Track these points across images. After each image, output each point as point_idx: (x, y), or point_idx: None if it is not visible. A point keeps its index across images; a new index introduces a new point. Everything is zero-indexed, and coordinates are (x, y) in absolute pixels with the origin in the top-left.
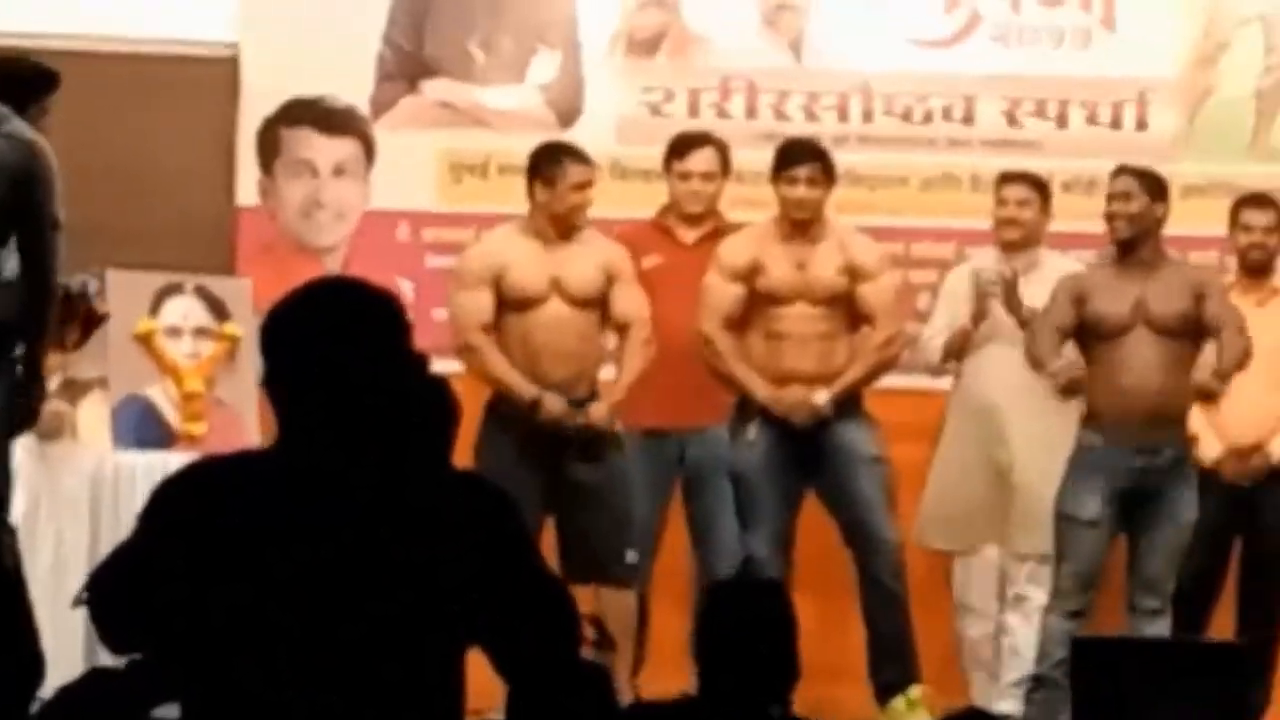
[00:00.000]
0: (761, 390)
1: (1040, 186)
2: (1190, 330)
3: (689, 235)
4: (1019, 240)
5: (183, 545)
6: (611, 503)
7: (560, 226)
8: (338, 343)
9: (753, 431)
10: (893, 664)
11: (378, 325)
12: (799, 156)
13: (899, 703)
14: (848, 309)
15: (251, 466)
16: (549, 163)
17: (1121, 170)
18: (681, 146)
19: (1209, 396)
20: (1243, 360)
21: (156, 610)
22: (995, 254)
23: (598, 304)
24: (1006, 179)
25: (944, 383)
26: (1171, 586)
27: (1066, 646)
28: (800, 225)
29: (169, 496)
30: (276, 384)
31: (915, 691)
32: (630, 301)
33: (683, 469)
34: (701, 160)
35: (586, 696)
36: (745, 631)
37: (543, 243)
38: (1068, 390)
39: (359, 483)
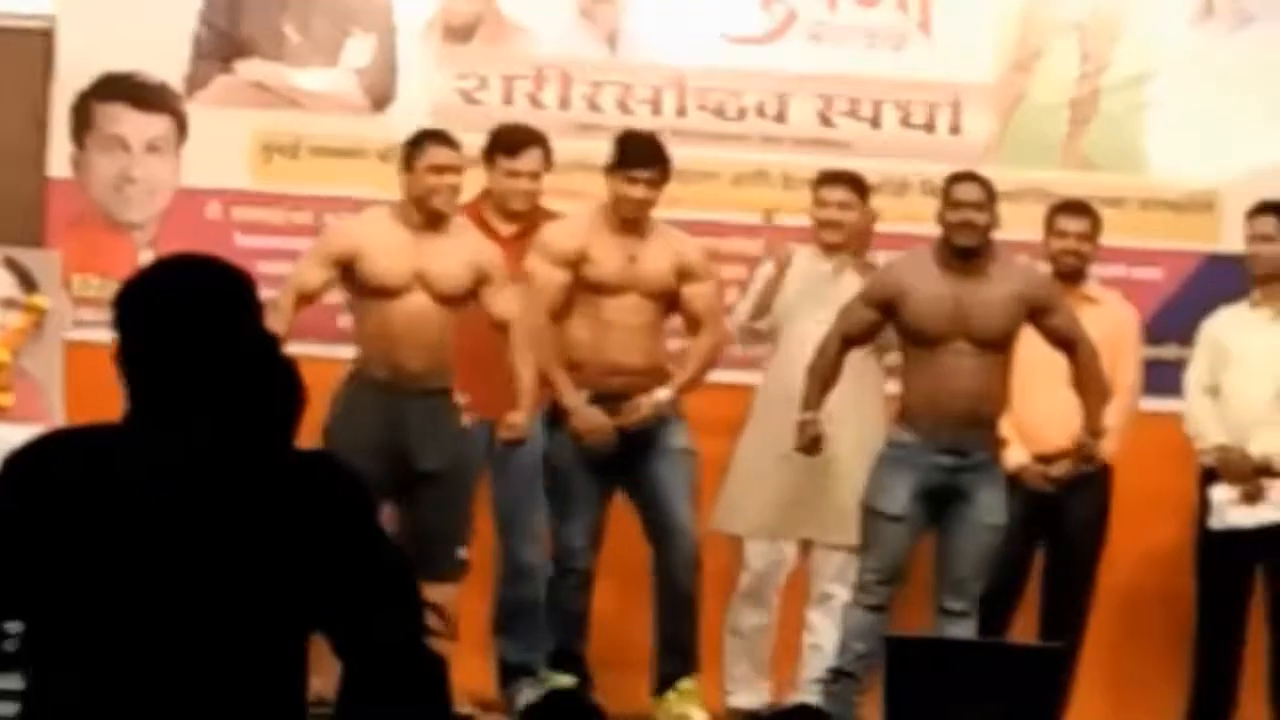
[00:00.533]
0: (570, 399)
1: (860, 188)
2: (1010, 341)
3: (507, 229)
4: (840, 243)
5: (21, 522)
6: (453, 498)
7: (423, 212)
8: (188, 319)
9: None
10: (671, 656)
11: (229, 303)
12: (643, 158)
13: (670, 695)
14: (669, 305)
15: (98, 441)
16: (410, 145)
17: (969, 177)
18: (511, 144)
19: (1089, 456)
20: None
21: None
22: (812, 252)
23: (463, 300)
24: (826, 179)
25: (754, 377)
26: (978, 588)
27: (866, 640)
28: (630, 221)
29: (12, 471)
30: (127, 358)
31: (686, 684)
32: (508, 303)
33: (489, 456)
34: (531, 160)
35: (423, 687)
36: None
37: (410, 230)
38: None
39: (205, 461)
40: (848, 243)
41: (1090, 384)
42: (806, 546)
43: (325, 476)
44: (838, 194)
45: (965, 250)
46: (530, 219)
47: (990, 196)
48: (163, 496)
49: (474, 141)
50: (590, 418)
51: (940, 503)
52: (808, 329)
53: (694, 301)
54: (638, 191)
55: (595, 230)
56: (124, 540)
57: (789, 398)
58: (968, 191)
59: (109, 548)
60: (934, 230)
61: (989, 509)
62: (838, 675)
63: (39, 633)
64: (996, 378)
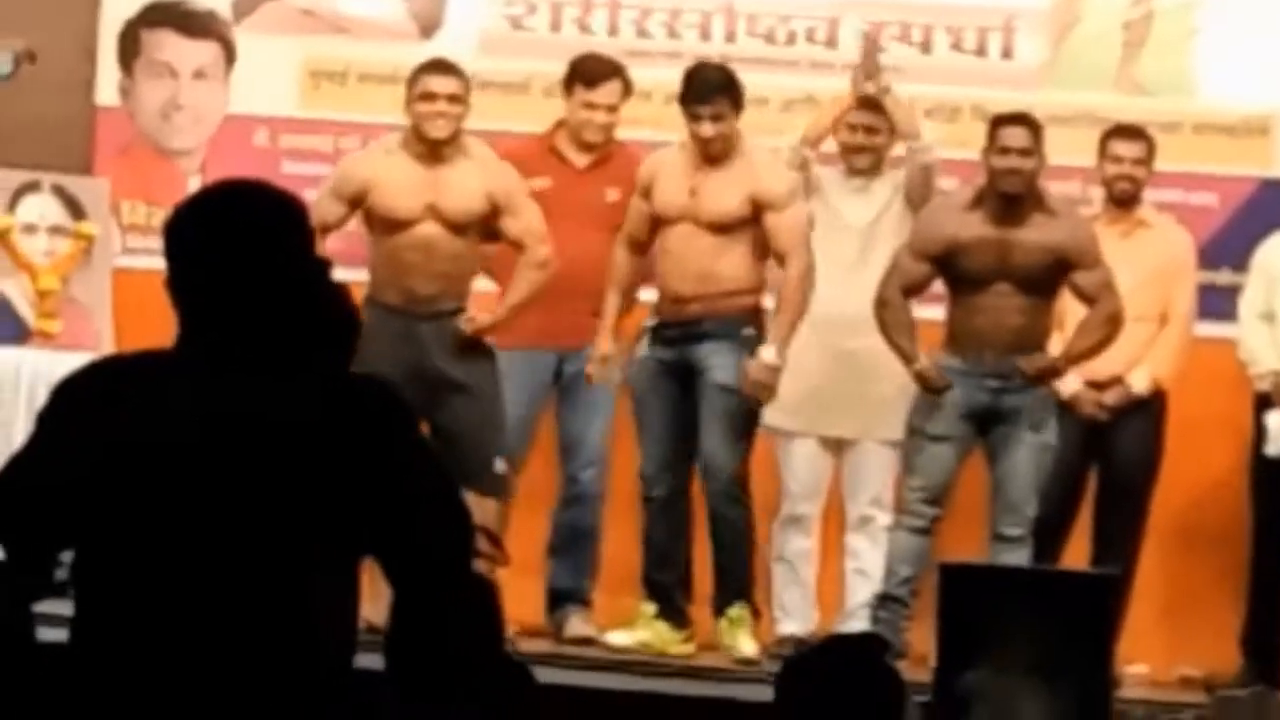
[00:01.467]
0: (610, 318)
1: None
2: (1053, 279)
3: (581, 160)
4: (867, 168)
5: (73, 449)
6: (481, 407)
7: (422, 141)
8: (237, 245)
9: (644, 348)
10: (723, 585)
11: (279, 229)
12: (703, 93)
13: (721, 622)
14: (749, 233)
15: (150, 369)
16: (411, 76)
17: (1017, 120)
18: (591, 76)
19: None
20: (1100, 347)
21: (51, 516)
22: (839, 173)
23: (477, 226)
24: (858, 104)
25: None
26: (1032, 511)
27: (912, 564)
28: (705, 154)
29: (65, 399)
30: (178, 285)
31: (735, 611)
32: (525, 223)
33: (557, 384)
34: (609, 92)
35: (473, 611)
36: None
37: (419, 160)
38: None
39: (256, 387)
40: (875, 168)
41: (1093, 329)
42: (840, 451)
43: (373, 400)
44: (866, 119)
45: (1011, 196)
46: (604, 152)
47: (1038, 139)
48: (213, 423)
49: (522, 68)
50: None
51: (989, 424)
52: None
53: (778, 234)
54: (703, 129)
55: (673, 161)
56: (174, 467)
57: (820, 298)
58: (1015, 137)
59: (159, 475)
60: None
61: (1038, 427)
62: (884, 600)
63: (89, 560)
64: (1041, 312)
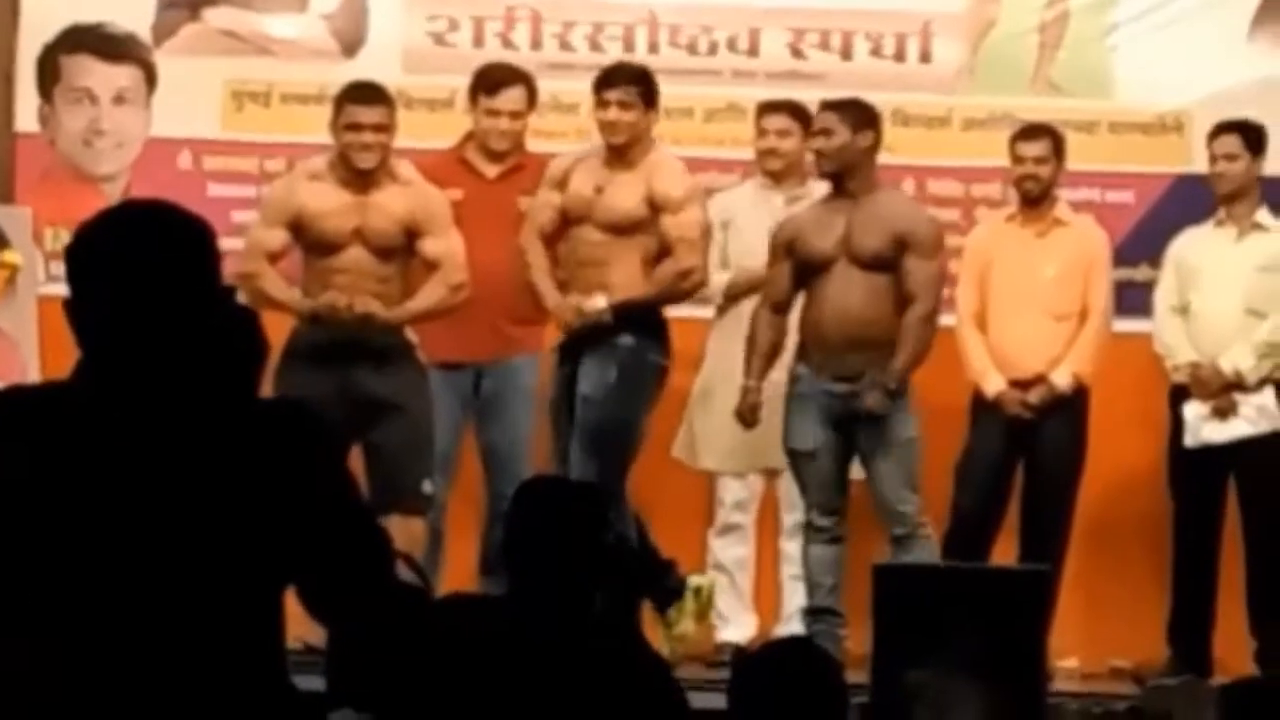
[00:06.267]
0: (550, 299)
1: (801, 116)
2: (891, 264)
3: (491, 170)
4: (781, 170)
5: None
6: (411, 426)
7: (350, 169)
8: (144, 266)
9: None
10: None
11: (187, 250)
12: (612, 79)
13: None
14: (643, 236)
15: (53, 401)
16: (336, 101)
17: (822, 105)
18: (491, 83)
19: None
20: (918, 360)
21: None
22: (756, 185)
23: (401, 252)
24: (766, 109)
25: (705, 311)
26: (911, 508)
27: (832, 572)
28: (616, 149)
29: None
30: (80, 308)
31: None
32: (445, 246)
33: (477, 400)
34: (511, 99)
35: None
36: (555, 529)
37: (346, 187)
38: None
39: (166, 415)
40: (789, 171)
41: (907, 337)
42: (773, 476)
43: (290, 424)
44: (776, 122)
45: (827, 178)
46: (516, 161)
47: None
48: (123, 456)
49: (446, 83)
50: (564, 304)
51: (850, 430)
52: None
53: (669, 231)
54: (608, 114)
55: (586, 160)
56: (86, 504)
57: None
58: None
59: (71, 513)
60: (902, 161)
61: (892, 427)
62: (817, 613)
63: (8, 601)
64: (881, 301)
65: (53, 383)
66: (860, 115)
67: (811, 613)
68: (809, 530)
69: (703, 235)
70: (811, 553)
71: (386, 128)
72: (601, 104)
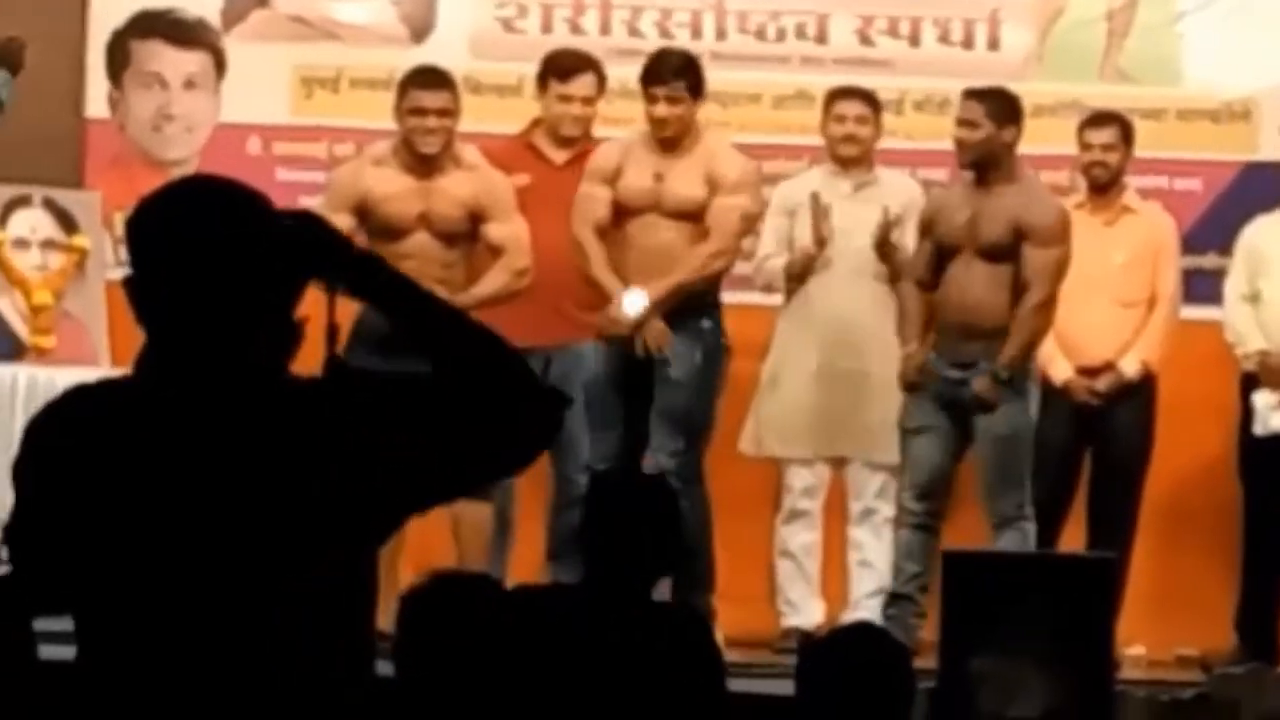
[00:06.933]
0: (615, 293)
1: (875, 103)
2: (1012, 253)
3: (559, 156)
4: (855, 157)
5: (55, 499)
6: None
7: (415, 153)
8: (204, 244)
9: None
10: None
11: (249, 226)
12: (660, 74)
13: None
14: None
15: (120, 394)
16: (400, 86)
17: (968, 95)
18: (562, 69)
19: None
20: (1029, 349)
21: (63, 565)
22: (824, 172)
23: (465, 237)
24: (841, 94)
25: (774, 299)
26: (1011, 500)
27: (916, 559)
28: (664, 140)
29: (41, 440)
30: (139, 285)
31: None
32: (509, 231)
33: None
34: (583, 85)
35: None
36: (629, 519)
37: (410, 171)
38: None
39: (230, 400)
40: (861, 158)
41: (1019, 325)
42: (840, 464)
43: (351, 384)
44: (854, 108)
45: (968, 168)
46: (583, 148)
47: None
48: (191, 449)
49: (514, 69)
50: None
51: (961, 417)
52: (833, 247)
53: (711, 212)
54: (658, 110)
55: (636, 148)
56: (157, 500)
57: (828, 319)
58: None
59: (144, 511)
60: None
61: (1000, 419)
62: (894, 598)
63: (89, 617)
64: (1000, 289)
65: (114, 380)
66: (1005, 108)
67: (892, 597)
68: (900, 512)
69: (743, 219)
70: (900, 537)
71: (450, 112)
72: (650, 99)
